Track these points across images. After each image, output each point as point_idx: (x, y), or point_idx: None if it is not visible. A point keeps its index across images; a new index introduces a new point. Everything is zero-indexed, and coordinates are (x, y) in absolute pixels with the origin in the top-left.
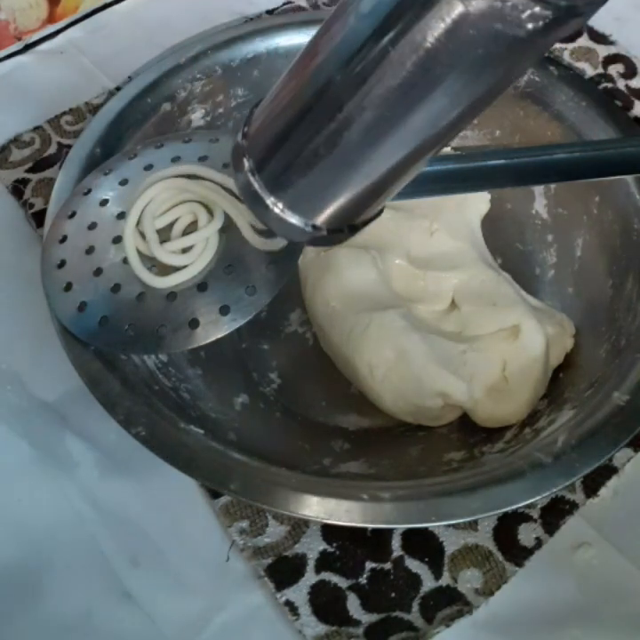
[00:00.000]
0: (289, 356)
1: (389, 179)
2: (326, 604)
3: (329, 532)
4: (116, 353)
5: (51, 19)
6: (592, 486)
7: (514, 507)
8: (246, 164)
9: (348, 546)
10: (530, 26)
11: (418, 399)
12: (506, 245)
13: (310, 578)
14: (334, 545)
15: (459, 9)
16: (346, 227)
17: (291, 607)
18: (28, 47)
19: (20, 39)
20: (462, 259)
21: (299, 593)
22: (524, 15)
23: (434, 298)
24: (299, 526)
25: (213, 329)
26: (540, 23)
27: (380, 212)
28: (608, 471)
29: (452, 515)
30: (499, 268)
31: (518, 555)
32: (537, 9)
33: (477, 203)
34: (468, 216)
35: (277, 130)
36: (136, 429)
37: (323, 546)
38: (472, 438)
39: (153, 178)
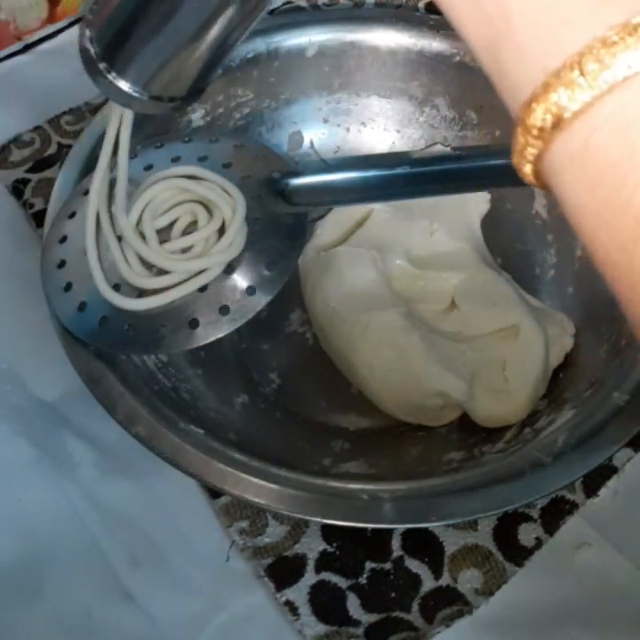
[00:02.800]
0: (289, 356)
1: (198, 51)
2: (326, 604)
3: (329, 531)
4: (115, 353)
5: (51, 19)
6: (592, 486)
7: (514, 507)
8: (87, 32)
9: (348, 546)
10: None
11: (418, 399)
12: (506, 245)
13: (310, 578)
14: (334, 545)
15: None
16: (166, 97)
17: (291, 607)
18: (27, 47)
19: (20, 39)
20: (462, 259)
21: (299, 593)
22: None
23: (434, 298)
24: (299, 526)
25: (213, 329)
26: None
27: (201, 91)
28: (608, 471)
29: (452, 515)
30: (499, 267)
31: (518, 555)
32: None
33: (477, 203)
34: (468, 216)
35: (111, 3)
36: (136, 429)
37: (323, 546)
38: (472, 438)
39: (153, 178)
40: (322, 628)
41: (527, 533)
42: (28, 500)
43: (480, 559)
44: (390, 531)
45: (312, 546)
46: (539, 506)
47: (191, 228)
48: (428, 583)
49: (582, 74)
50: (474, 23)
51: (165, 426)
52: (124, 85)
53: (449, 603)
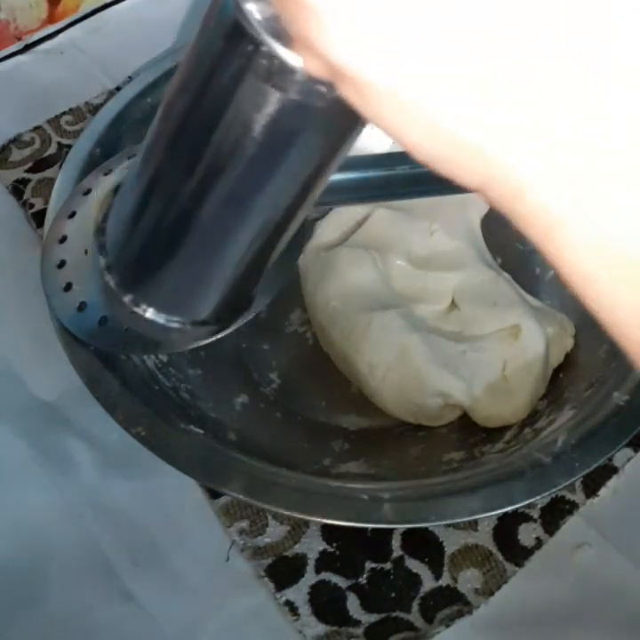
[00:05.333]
0: (289, 356)
1: (238, 269)
2: (326, 604)
3: (329, 531)
4: (115, 353)
5: (51, 19)
6: (592, 486)
7: (514, 507)
8: (102, 261)
9: (348, 546)
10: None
11: (418, 399)
12: (506, 245)
13: (310, 578)
14: (334, 545)
15: (269, 92)
16: (212, 319)
17: (291, 607)
18: (28, 47)
19: (20, 39)
20: (462, 259)
21: (299, 593)
22: (319, 87)
23: (434, 298)
24: (299, 526)
25: None
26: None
27: (250, 303)
28: (608, 471)
29: (452, 515)
30: (499, 268)
31: (518, 555)
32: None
33: (477, 203)
34: (468, 216)
35: (123, 226)
36: (136, 429)
37: (323, 546)
38: (472, 438)
39: None
40: (322, 628)
41: (527, 533)
42: (28, 500)
43: (480, 559)
44: (390, 531)
45: (312, 546)
46: (539, 506)
47: None
48: (428, 583)
49: None
50: None
51: (165, 426)
52: (157, 318)
53: (449, 603)
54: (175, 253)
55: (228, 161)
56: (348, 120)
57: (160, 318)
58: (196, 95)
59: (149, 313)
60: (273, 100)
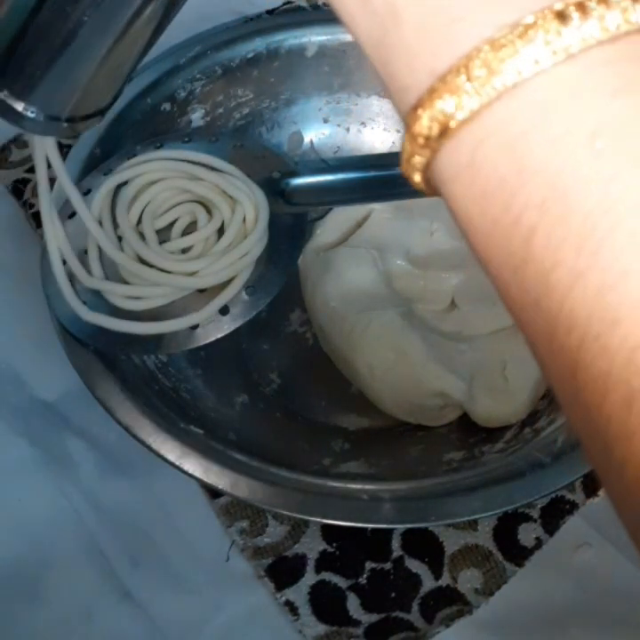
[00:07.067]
0: (289, 356)
1: (90, 69)
2: (326, 604)
3: (329, 531)
4: (116, 353)
5: None
6: (592, 486)
7: (514, 506)
8: None
9: (348, 546)
10: None
11: (417, 399)
12: None
13: (310, 578)
14: (334, 545)
15: None
16: (64, 117)
17: (291, 607)
18: None
19: None
20: (462, 258)
21: (299, 593)
22: None
23: (434, 297)
24: (299, 526)
25: (213, 329)
26: None
27: (101, 113)
28: None
29: (452, 515)
30: None
31: (518, 555)
32: None
33: None
34: None
35: None
36: (136, 429)
37: (323, 546)
38: (472, 438)
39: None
40: (322, 628)
41: (527, 533)
42: (28, 500)
43: (480, 559)
44: (390, 531)
45: (312, 546)
46: (539, 506)
47: (191, 228)
48: (428, 583)
49: (469, 79)
50: (361, 19)
51: (165, 426)
52: (15, 103)
53: (449, 603)
54: (38, 44)
55: None
56: None
57: (18, 105)
58: None
59: (8, 98)
60: None
